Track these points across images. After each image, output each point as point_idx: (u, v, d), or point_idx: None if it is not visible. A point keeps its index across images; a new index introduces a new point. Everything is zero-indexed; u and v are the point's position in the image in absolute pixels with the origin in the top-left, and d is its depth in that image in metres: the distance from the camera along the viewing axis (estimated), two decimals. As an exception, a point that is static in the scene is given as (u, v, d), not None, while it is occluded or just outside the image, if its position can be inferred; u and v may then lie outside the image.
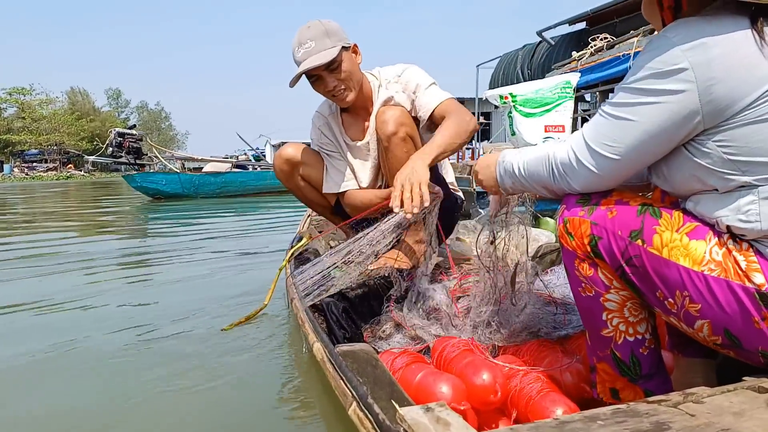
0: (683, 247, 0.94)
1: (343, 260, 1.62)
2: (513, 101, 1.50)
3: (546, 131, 1.48)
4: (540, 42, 12.37)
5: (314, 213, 3.09)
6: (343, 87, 2.07)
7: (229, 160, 15.73)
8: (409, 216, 1.59)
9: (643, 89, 0.93)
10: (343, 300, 1.61)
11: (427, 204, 1.61)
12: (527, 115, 1.49)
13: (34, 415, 1.62)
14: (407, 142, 2.00)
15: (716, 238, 0.94)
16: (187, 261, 4.16)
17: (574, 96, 1.56)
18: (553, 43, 11.90)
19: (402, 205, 1.60)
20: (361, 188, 2.28)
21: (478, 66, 16.38)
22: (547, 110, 1.50)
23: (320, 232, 2.70)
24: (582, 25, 11.60)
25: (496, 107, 1.60)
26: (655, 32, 1.09)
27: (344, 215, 2.31)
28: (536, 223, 3.28)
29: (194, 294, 3.01)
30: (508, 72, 13.41)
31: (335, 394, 1.22)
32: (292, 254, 2.16)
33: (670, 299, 0.97)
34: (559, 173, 1.08)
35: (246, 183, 12.90)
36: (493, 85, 14.25)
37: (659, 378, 1.08)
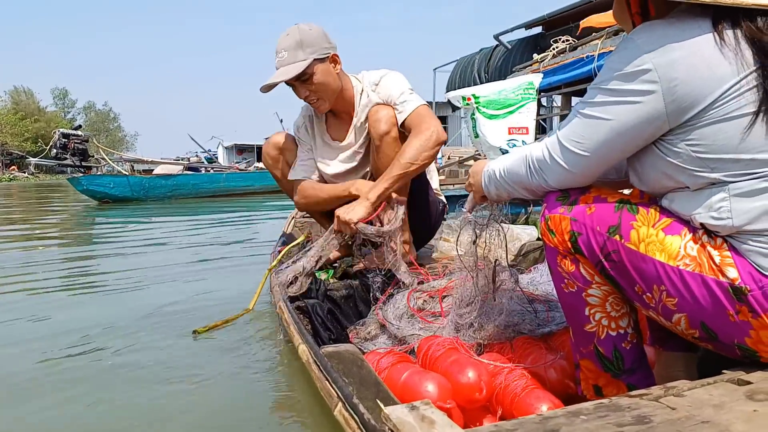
0: (659, 242, 0.98)
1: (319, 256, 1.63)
2: (476, 102, 1.48)
3: (510, 133, 1.47)
4: (497, 46, 12.54)
5: (299, 214, 3.06)
6: (315, 97, 2.08)
7: (180, 162, 15.01)
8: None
9: (611, 89, 0.97)
10: (328, 302, 1.60)
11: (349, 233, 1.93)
12: (490, 116, 1.47)
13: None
14: (398, 143, 2.02)
15: (691, 234, 0.97)
16: (142, 266, 3.93)
17: (537, 97, 1.56)
18: (509, 47, 12.08)
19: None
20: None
21: (435, 69, 16.51)
22: (510, 112, 1.49)
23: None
24: (538, 30, 11.88)
25: (454, 109, 1.60)
26: (623, 33, 1.14)
27: (328, 211, 2.29)
28: (527, 221, 3.32)
29: (156, 300, 2.88)
30: (465, 75, 13.53)
31: (321, 395, 1.21)
32: (284, 253, 2.12)
33: (648, 293, 1.00)
34: (534, 170, 1.12)
35: (199, 186, 12.56)
36: (450, 88, 14.38)
37: (642, 372, 1.11)
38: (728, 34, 0.90)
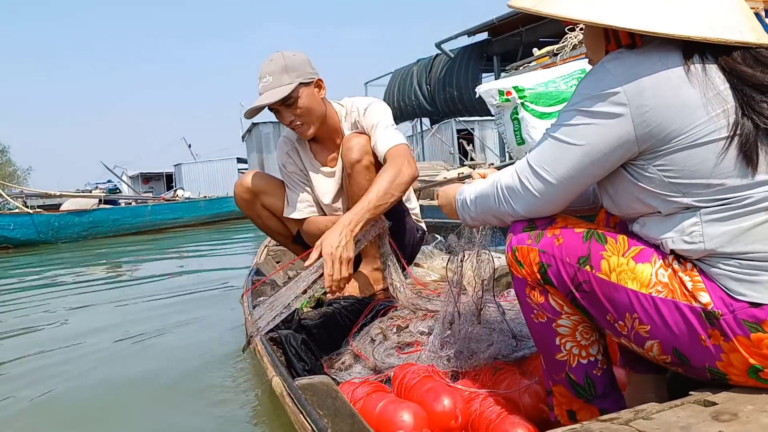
0: (630, 270, 0.99)
1: (303, 291, 1.60)
2: (520, 97, 1.20)
3: None
4: (437, 55, 11.68)
5: (272, 243, 3.05)
6: (300, 122, 2.07)
7: (95, 194, 12.71)
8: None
9: (582, 111, 0.99)
10: (302, 331, 1.59)
11: (346, 281, 1.66)
12: (542, 115, 1.21)
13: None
14: (371, 170, 2.02)
15: (661, 260, 0.99)
16: (62, 328, 3.37)
17: None
18: (452, 55, 11.28)
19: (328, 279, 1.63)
20: (324, 214, 2.27)
21: (366, 83, 15.24)
22: None
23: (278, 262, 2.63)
24: (483, 36, 10.90)
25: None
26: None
27: (304, 244, 2.28)
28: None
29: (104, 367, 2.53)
30: (403, 88, 12.53)
31: (296, 428, 1.20)
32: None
33: (620, 322, 1.01)
34: (504, 197, 1.11)
35: (120, 221, 11.02)
36: (388, 102, 13.58)
37: (613, 396, 1.12)
38: (696, 63, 0.92)
